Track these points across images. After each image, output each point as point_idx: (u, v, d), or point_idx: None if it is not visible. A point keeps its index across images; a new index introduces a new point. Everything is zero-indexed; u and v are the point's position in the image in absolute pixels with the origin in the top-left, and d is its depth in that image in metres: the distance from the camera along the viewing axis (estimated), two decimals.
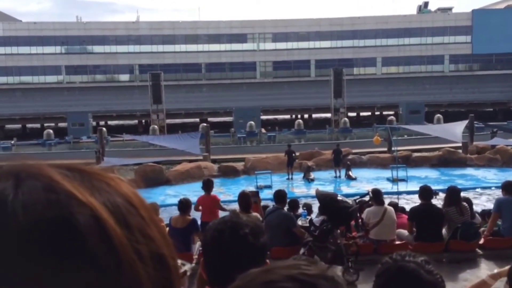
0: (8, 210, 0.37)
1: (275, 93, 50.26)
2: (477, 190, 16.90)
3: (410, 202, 13.34)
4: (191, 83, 50.59)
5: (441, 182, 17.03)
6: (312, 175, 20.02)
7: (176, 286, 0.44)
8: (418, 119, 40.18)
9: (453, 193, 7.62)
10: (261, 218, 6.95)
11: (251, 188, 14.12)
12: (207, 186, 8.71)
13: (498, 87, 50.45)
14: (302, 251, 6.66)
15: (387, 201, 8.55)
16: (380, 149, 23.89)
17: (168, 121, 42.23)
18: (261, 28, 51.74)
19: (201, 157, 22.75)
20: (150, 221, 0.43)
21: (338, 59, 49.71)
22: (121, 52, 50.50)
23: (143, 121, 49.36)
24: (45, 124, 48.63)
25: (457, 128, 19.91)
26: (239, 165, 21.97)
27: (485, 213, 8.82)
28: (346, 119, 39.12)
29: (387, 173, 19.30)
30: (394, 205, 8.81)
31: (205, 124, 31.25)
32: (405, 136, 29.04)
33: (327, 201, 6.84)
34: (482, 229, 7.84)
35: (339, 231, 6.97)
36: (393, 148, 21.63)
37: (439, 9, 56.19)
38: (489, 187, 16.92)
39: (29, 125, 51.42)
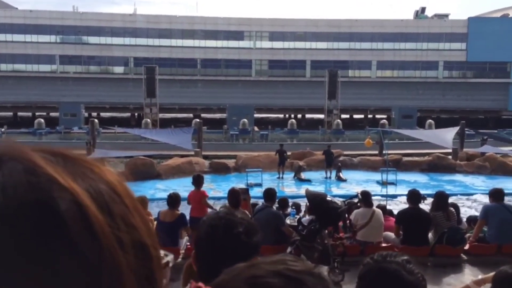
0: None
1: (270, 92, 50.29)
2: (464, 196, 17.05)
3: (399, 205, 13.44)
4: (186, 78, 50.45)
5: (430, 187, 17.15)
6: (303, 175, 20.07)
7: (157, 275, 0.44)
8: (410, 124, 40.42)
9: (441, 198, 7.69)
10: (250, 216, 6.97)
11: (242, 186, 14.12)
12: (197, 181, 8.72)
13: (491, 95, 50.88)
14: (289, 249, 6.69)
15: (375, 203, 8.61)
16: (371, 152, 24.01)
17: (161, 115, 42.11)
18: (258, 26, 51.71)
19: (192, 153, 22.72)
20: (134, 210, 0.43)
21: (334, 61, 49.84)
22: (116, 44, 50.22)
23: (136, 114, 49.15)
24: (37, 113, 48.28)
25: (448, 134, 20.03)
26: (231, 162, 21.98)
27: (471, 219, 8.91)
28: (339, 120, 39.26)
29: (377, 176, 19.42)
30: (383, 207, 8.86)
31: (198, 120, 31.18)
32: (397, 140, 29.20)
33: (316, 201, 6.88)
34: (468, 235, 7.92)
35: (326, 231, 7.01)
36: (384, 152, 21.72)
37: (436, 15, 56.52)
38: (477, 194, 17.07)
39: (20, 114, 51.01)
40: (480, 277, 2.95)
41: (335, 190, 17.74)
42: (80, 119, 41.52)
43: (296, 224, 7.24)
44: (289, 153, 21.88)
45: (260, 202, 8.40)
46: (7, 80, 48.72)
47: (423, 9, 56.84)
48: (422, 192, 8.19)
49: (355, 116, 53.44)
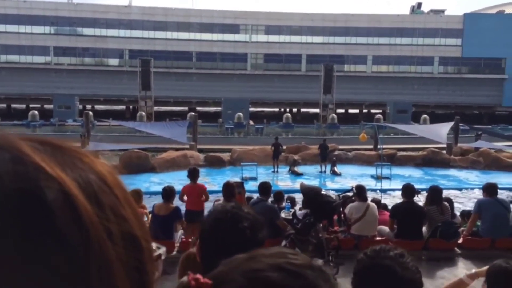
0: None
1: (265, 86, 50.21)
2: (458, 190, 17.15)
3: (393, 199, 13.50)
4: (181, 71, 50.24)
5: (424, 182, 17.23)
6: (297, 169, 20.10)
7: (148, 267, 0.43)
8: (405, 119, 40.53)
9: (435, 192, 7.72)
10: None
11: (236, 179, 14.11)
12: (193, 175, 8.68)
13: (485, 91, 51.10)
14: (283, 243, 6.70)
15: (370, 197, 8.63)
16: (366, 147, 24.08)
17: (156, 108, 41.93)
18: (254, 20, 51.52)
19: (187, 146, 22.67)
20: (124, 201, 0.42)
21: (330, 55, 49.79)
22: (111, 36, 49.88)
23: (131, 107, 48.95)
24: (31, 105, 47.92)
25: (443, 129, 20.13)
26: (225, 156, 21.95)
27: (465, 214, 8.96)
28: (334, 115, 39.27)
29: (372, 170, 19.48)
30: (377, 201, 8.89)
31: (193, 113, 31.11)
32: (391, 134, 29.30)
33: (311, 195, 6.87)
34: (461, 229, 7.96)
35: (321, 225, 7.02)
36: (379, 146, 21.82)
37: (432, 11, 56.54)
38: (471, 188, 17.18)
39: (14, 105, 50.62)
40: (473, 270, 2.95)
41: (330, 184, 17.77)
42: (74, 112, 41.27)
43: (290, 217, 7.24)
44: (284, 147, 21.89)
45: (255, 196, 8.40)
46: (0, 72, 48.30)
47: (419, 5, 56.83)
48: (417, 186, 8.22)
49: (350, 110, 53.52)
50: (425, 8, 57.55)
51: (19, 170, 0.36)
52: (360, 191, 7.74)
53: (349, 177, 19.18)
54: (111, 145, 21.78)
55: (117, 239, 0.39)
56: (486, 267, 2.65)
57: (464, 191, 17.07)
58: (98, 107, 51.42)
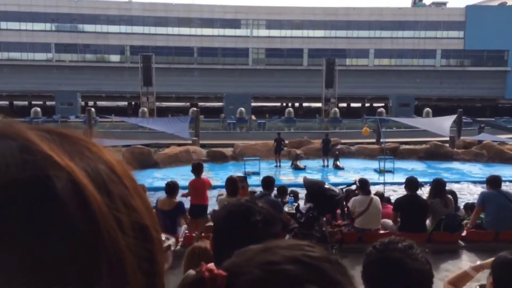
0: None
1: (267, 81, 50.11)
2: (461, 183, 17.12)
3: (396, 192, 13.48)
4: (182, 66, 50.18)
5: (427, 175, 17.19)
6: (300, 163, 20.07)
7: (158, 258, 0.42)
8: (408, 112, 40.47)
9: (438, 185, 7.71)
10: None
11: (239, 174, 14.12)
12: (197, 169, 8.68)
13: (488, 83, 50.87)
14: (287, 237, 6.71)
15: (373, 191, 8.62)
16: (369, 140, 24.03)
17: (158, 104, 41.95)
18: (255, 15, 51.34)
19: (190, 142, 22.68)
20: (133, 191, 0.41)
21: (331, 49, 49.61)
22: (112, 32, 49.81)
23: (133, 103, 48.92)
24: (33, 102, 47.98)
25: (445, 123, 20.04)
26: (228, 151, 21.96)
27: (468, 206, 8.95)
28: (336, 109, 39.20)
29: (375, 164, 19.44)
30: (380, 195, 8.87)
31: (195, 109, 31.09)
32: (394, 128, 29.21)
33: (314, 189, 6.88)
34: (465, 221, 7.96)
35: (324, 218, 7.02)
36: (381, 140, 21.75)
37: (434, 3, 56.21)
38: (474, 182, 17.14)
39: (16, 103, 50.68)
40: (478, 263, 2.94)
41: (333, 178, 17.76)
42: (76, 108, 41.35)
43: (294, 211, 7.25)
44: (286, 142, 21.87)
45: (258, 190, 8.40)
46: (2, 69, 48.32)
47: None
48: (420, 179, 8.20)
49: (353, 104, 53.39)
50: (426, 0, 57.29)
51: (27, 159, 0.36)
52: (363, 185, 7.74)
53: (352, 171, 19.16)
54: (113, 141, 21.76)
55: (127, 229, 0.38)
56: (491, 259, 2.65)
57: (463, 183, 17.04)
58: (100, 103, 51.44)
